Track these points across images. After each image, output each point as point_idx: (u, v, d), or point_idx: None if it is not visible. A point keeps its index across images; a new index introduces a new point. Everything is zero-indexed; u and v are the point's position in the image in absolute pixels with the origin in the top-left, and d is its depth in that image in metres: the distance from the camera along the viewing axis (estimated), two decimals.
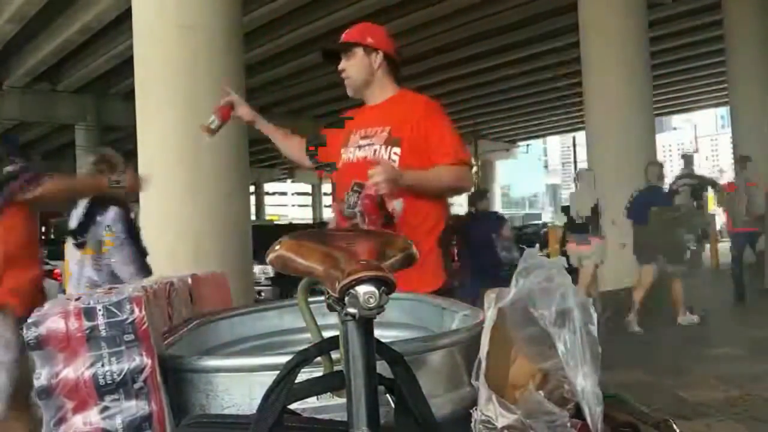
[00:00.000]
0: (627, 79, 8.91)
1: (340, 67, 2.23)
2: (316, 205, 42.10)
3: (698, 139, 64.96)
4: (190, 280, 1.62)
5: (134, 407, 1.02)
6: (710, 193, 8.50)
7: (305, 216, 43.47)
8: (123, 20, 12.28)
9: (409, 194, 2.02)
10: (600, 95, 9.18)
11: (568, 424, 0.98)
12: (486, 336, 1.06)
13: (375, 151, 2.13)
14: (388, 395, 0.93)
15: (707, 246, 10.18)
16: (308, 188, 44.91)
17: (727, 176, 23.14)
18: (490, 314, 1.07)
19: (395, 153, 2.10)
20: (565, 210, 7.29)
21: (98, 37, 14.88)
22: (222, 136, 5.83)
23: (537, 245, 9.77)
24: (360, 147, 2.17)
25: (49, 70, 17.31)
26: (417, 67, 17.98)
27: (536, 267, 1.05)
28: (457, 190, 2.30)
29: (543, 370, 1.01)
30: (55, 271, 14.39)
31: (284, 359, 0.93)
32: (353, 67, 2.21)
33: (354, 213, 1.95)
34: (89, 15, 13.57)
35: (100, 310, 1.02)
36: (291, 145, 2.45)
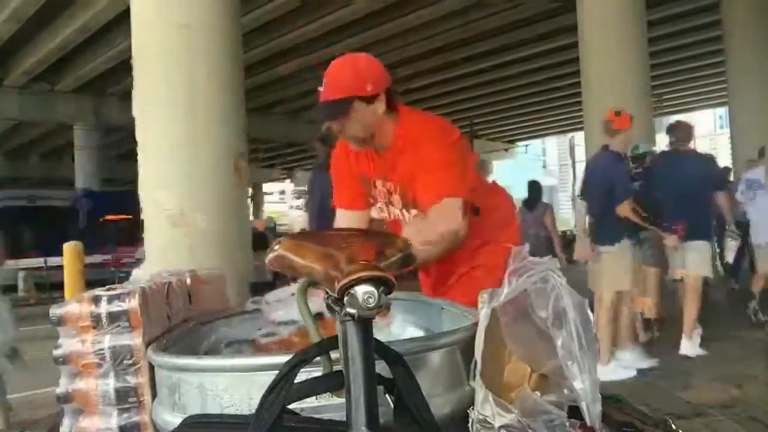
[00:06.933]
0: (626, 79, 8.88)
1: (336, 129, 1.76)
2: None
3: (697, 139, 64.74)
4: (188, 280, 1.63)
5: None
6: None
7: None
8: (122, 20, 12.26)
9: None
10: (599, 95, 9.14)
11: (567, 424, 0.98)
12: (480, 336, 1.06)
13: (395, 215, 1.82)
14: (387, 395, 0.93)
15: None
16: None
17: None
18: (483, 314, 1.07)
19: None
20: None
21: (97, 37, 14.84)
22: (221, 136, 5.81)
23: None
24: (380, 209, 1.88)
25: (47, 70, 17.26)
26: (416, 68, 17.96)
27: (529, 267, 1.05)
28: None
29: (540, 370, 1.01)
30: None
31: (284, 359, 0.93)
32: (356, 125, 1.73)
33: None
34: (88, 15, 13.54)
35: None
36: None
